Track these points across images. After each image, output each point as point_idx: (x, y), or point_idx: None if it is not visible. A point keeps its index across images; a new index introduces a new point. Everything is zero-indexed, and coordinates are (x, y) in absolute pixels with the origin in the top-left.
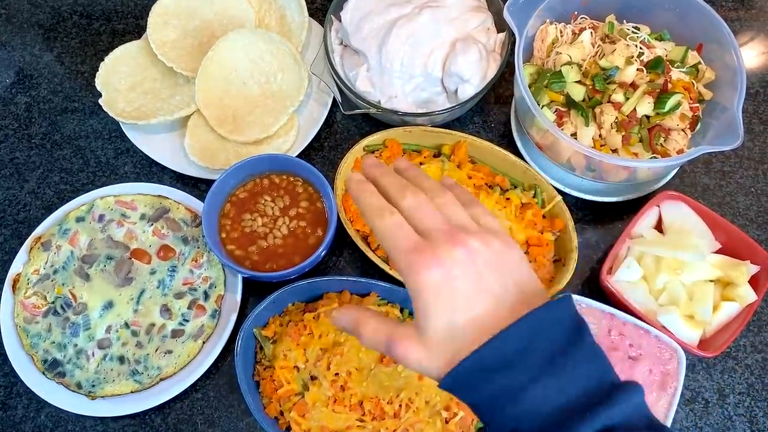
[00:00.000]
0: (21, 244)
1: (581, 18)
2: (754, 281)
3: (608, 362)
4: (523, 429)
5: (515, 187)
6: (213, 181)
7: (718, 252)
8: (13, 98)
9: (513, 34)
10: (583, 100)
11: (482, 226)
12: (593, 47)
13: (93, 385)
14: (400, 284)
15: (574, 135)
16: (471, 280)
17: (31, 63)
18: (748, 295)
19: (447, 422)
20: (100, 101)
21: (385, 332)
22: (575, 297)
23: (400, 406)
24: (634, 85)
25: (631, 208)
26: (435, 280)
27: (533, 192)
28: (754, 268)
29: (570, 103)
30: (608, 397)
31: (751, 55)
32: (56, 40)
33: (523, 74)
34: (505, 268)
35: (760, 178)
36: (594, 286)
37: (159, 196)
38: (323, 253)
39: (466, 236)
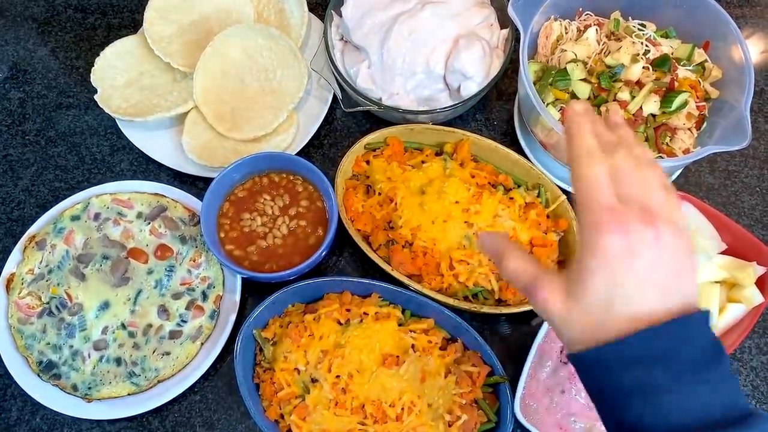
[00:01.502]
0: (15, 243)
1: (586, 14)
2: (760, 283)
3: (739, 388)
4: (647, 427)
5: (519, 187)
6: (211, 179)
7: (724, 253)
8: (6, 94)
9: (516, 31)
10: (589, 98)
11: (676, 220)
12: (598, 44)
13: (89, 388)
14: (402, 285)
15: None
16: (648, 267)
17: (24, 58)
18: (754, 297)
19: (450, 426)
20: (96, 97)
21: (531, 273)
22: None
23: (403, 409)
24: (640, 84)
25: None
26: (614, 248)
27: (537, 191)
28: (760, 270)
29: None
30: (742, 424)
31: (755, 52)
32: (50, 34)
33: (528, 71)
34: (681, 269)
35: (765, 178)
36: None
37: (156, 194)
38: (324, 253)
39: (660, 222)
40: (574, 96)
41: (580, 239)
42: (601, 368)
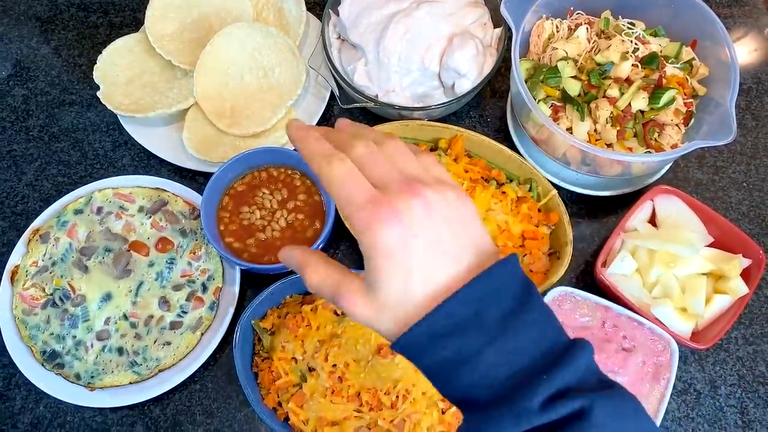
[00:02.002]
0: (19, 236)
1: (577, 14)
2: (745, 274)
3: (558, 321)
4: (478, 394)
5: (511, 181)
6: (211, 174)
7: (710, 246)
8: (10, 90)
9: (509, 30)
10: (579, 95)
11: (434, 177)
12: (589, 43)
13: (92, 377)
14: None
15: (569, 129)
16: (429, 241)
17: (28, 55)
18: (739, 288)
19: (444, 413)
20: (98, 94)
21: (332, 282)
22: (571, 290)
23: (397, 396)
24: (629, 81)
25: (625, 202)
26: (392, 241)
27: (529, 186)
28: (746, 262)
29: (566, 98)
30: (562, 358)
31: (743, 51)
32: (53, 32)
33: (520, 69)
34: (462, 224)
35: (752, 173)
36: (588, 279)
37: (157, 188)
38: (321, 246)
39: (422, 187)
40: (564, 93)
41: (359, 241)
42: (418, 349)
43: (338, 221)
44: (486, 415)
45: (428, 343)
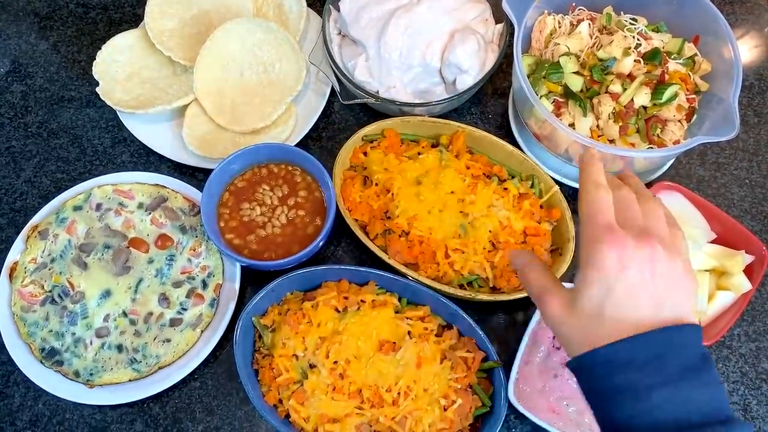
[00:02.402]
0: (18, 232)
1: (579, 9)
2: (748, 271)
3: (726, 398)
4: (636, 426)
5: (513, 178)
6: (211, 170)
7: (713, 242)
8: (8, 87)
9: (511, 25)
10: (581, 91)
11: (675, 244)
12: (591, 38)
13: (91, 374)
14: (398, 273)
15: (571, 125)
16: (640, 279)
17: (27, 52)
18: (742, 285)
19: (445, 410)
20: (98, 90)
21: (543, 283)
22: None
23: (399, 393)
24: (631, 76)
25: None
26: (609, 260)
27: (531, 182)
28: (748, 258)
29: (568, 93)
30: (723, 427)
31: (745, 48)
32: (52, 29)
33: (522, 65)
34: (675, 287)
35: (754, 170)
36: None
37: (157, 185)
38: (322, 243)
39: (656, 241)
40: (566, 88)
41: (581, 256)
42: (593, 371)
43: (339, 218)
44: None
45: (606, 367)
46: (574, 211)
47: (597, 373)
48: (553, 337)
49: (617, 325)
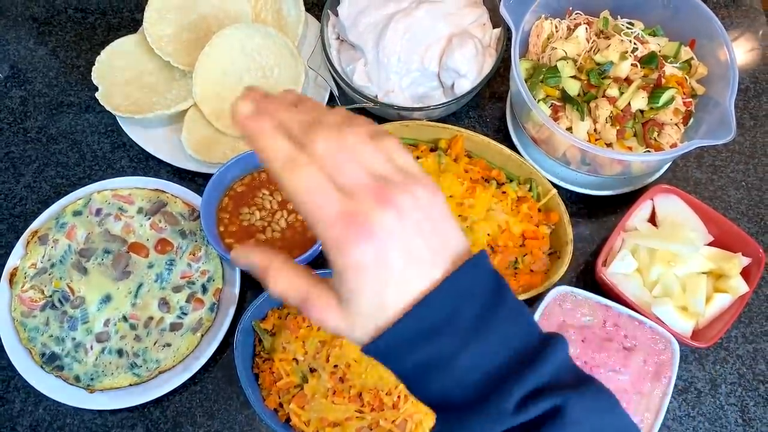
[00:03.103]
0: (17, 238)
1: (576, 13)
2: (745, 273)
3: (531, 317)
4: (453, 397)
5: (511, 181)
6: (210, 175)
7: (710, 244)
8: (7, 92)
9: (509, 30)
10: (579, 95)
11: (401, 170)
12: (588, 42)
13: (91, 379)
14: None
15: (569, 129)
16: (402, 251)
17: (25, 57)
18: (739, 287)
19: None
20: (97, 95)
21: (300, 290)
22: (571, 289)
23: (399, 397)
24: (628, 80)
25: (625, 202)
26: (367, 257)
27: (529, 186)
28: (745, 260)
29: (565, 97)
30: (535, 356)
31: (741, 51)
32: (51, 34)
33: (520, 69)
34: (433, 226)
35: (750, 172)
36: (589, 279)
37: (156, 190)
38: (321, 247)
39: (394, 192)
40: (564, 93)
41: (327, 256)
42: (391, 355)
43: None
44: (460, 417)
45: (400, 348)
46: (573, 214)
47: (393, 356)
48: None
49: (403, 306)
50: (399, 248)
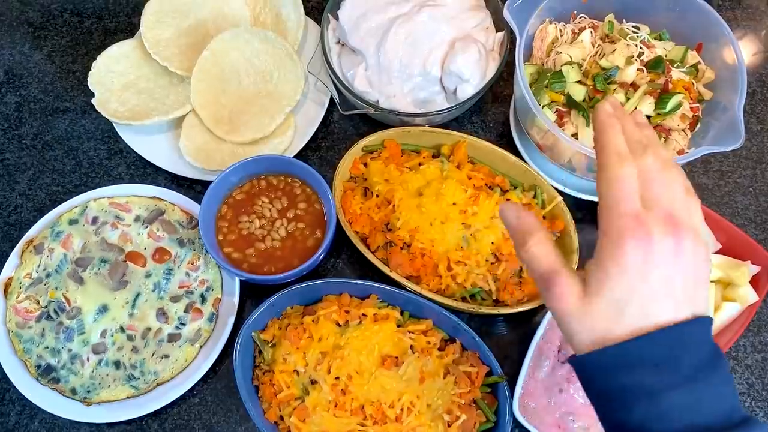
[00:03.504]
0: (12, 247)
1: (581, 17)
2: (754, 281)
3: (737, 394)
4: (650, 429)
5: (515, 188)
6: (209, 182)
7: (718, 252)
8: (2, 98)
9: (512, 34)
10: (584, 100)
11: (695, 226)
12: (593, 47)
13: (88, 391)
14: (400, 286)
15: (575, 135)
16: (663, 279)
17: (20, 62)
18: (748, 296)
19: (449, 426)
20: (93, 101)
21: (552, 263)
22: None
23: (402, 410)
24: (634, 85)
25: None
26: (635, 256)
27: (533, 193)
28: (754, 269)
29: (571, 103)
30: (740, 427)
31: (747, 54)
32: (46, 38)
33: (524, 74)
34: (696, 281)
35: (758, 178)
36: None
37: (154, 197)
38: (322, 256)
39: (681, 230)
40: (569, 98)
41: (600, 240)
42: (604, 370)
43: (339, 230)
44: None
45: (617, 367)
46: (578, 222)
47: (605, 372)
48: (558, 351)
49: (633, 326)
50: (662, 273)
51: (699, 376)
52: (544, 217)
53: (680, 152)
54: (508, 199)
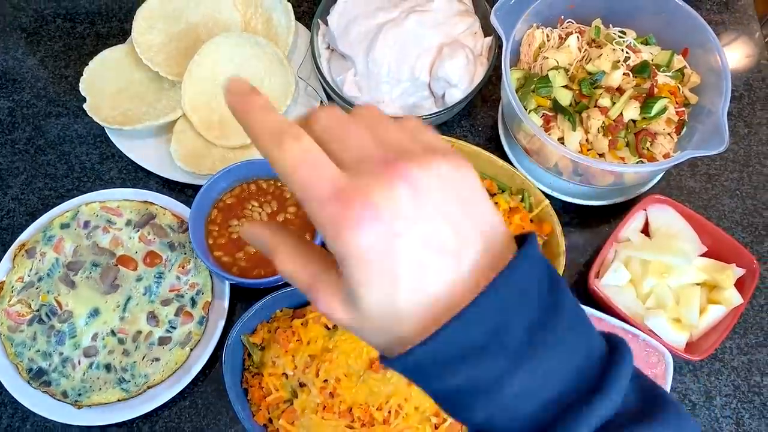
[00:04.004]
0: (4, 251)
1: (568, 22)
2: (739, 284)
3: (590, 322)
4: (500, 427)
5: (503, 191)
6: (200, 186)
7: (704, 255)
8: None
9: (499, 39)
10: (570, 105)
11: (422, 144)
12: (580, 52)
13: (79, 394)
14: None
15: (561, 140)
16: (419, 238)
17: (13, 67)
18: (734, 298)
19: (437, 428)
20: (85, 106)
21: (309, 274)
22: None
23: (390, 412)
24: (620, 90)
25: (617, 212)
26: (369, 245)
27: (521, 196)
28: (739, 271)
29: (557, 107)
30: (601, 378)
31: (734, 58)
32: (39, 43)
33: (510, 79)
34: (462, 207)
35: (744, 181)
36: (581, 290)
37: (145, 201)
38: None
39: (406, 163)
40: (555, 103)
41: (328, 245)
42: (422, 374)
43: None
44: None
45: (434, 368)
46: (565, 225)
47: (426, 374)
48: None
49: (421, 311)
50: (412, 233)
51: (535, 342)
52: (531, 221)
53: (666, 156)
54: (496, 203)
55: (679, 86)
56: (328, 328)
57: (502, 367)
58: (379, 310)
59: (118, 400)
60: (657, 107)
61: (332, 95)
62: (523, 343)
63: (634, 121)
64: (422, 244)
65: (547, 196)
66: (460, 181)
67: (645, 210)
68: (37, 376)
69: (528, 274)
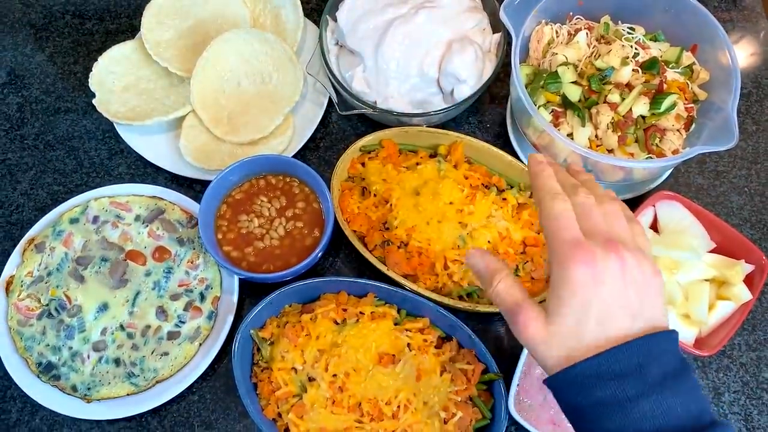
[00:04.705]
0: (14, 246)
1: (576, 18)
2: (748, 280)
3: (706, 399)
4: None
5: (512, 188)
6: (208, 182)
7: (713, 251)
8: (4, 99)
9: (508, 35)
10: (579, 101)
11: (637, 245)
12: (589, 48)
13: (88, 388)
14: (397, 285)
15: (570, 135)
16: (615, 292)
17: (22, 63)
18: (743, 294)
19: (445, 423)
20: (94, 102)
21: (516, 298)
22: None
23: (399, 407)
24: (629, 86)
25: None
26: (581, 277)
27: (530, 192)
28: (748, 267)
29: (566, 103)
30: (707, 429)
31: (743, 55)
32: (48, 40)
33: (520, 75)
34: (647, 294)
35: (753, 178)
36: None
37: (154, 197)
38: (320, 254)
39: (623, 249)
40: (565, 98)
41: (551, 271)
42: (573, 386)
43: (337, 229)
44: None
45: (588, 382)
46: None
47: (577, 388)
48: None
49: (594, 341)
50: (611, 288)
51: (666, 383)
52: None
53: (675, 152)
54: (504, 199)
55: (688, 82)
56: (337, 323)
57: (638, 391)
58: (568, 328)
59: (127, 395)
60: (666, 103)
61: (341, 91)
62: (656, 381)
63: (643, 117)
64: (614, 297)
65: None
66: (652, 279)
67: (654, 206)
68: (47, 370)
69: (668, 344)
